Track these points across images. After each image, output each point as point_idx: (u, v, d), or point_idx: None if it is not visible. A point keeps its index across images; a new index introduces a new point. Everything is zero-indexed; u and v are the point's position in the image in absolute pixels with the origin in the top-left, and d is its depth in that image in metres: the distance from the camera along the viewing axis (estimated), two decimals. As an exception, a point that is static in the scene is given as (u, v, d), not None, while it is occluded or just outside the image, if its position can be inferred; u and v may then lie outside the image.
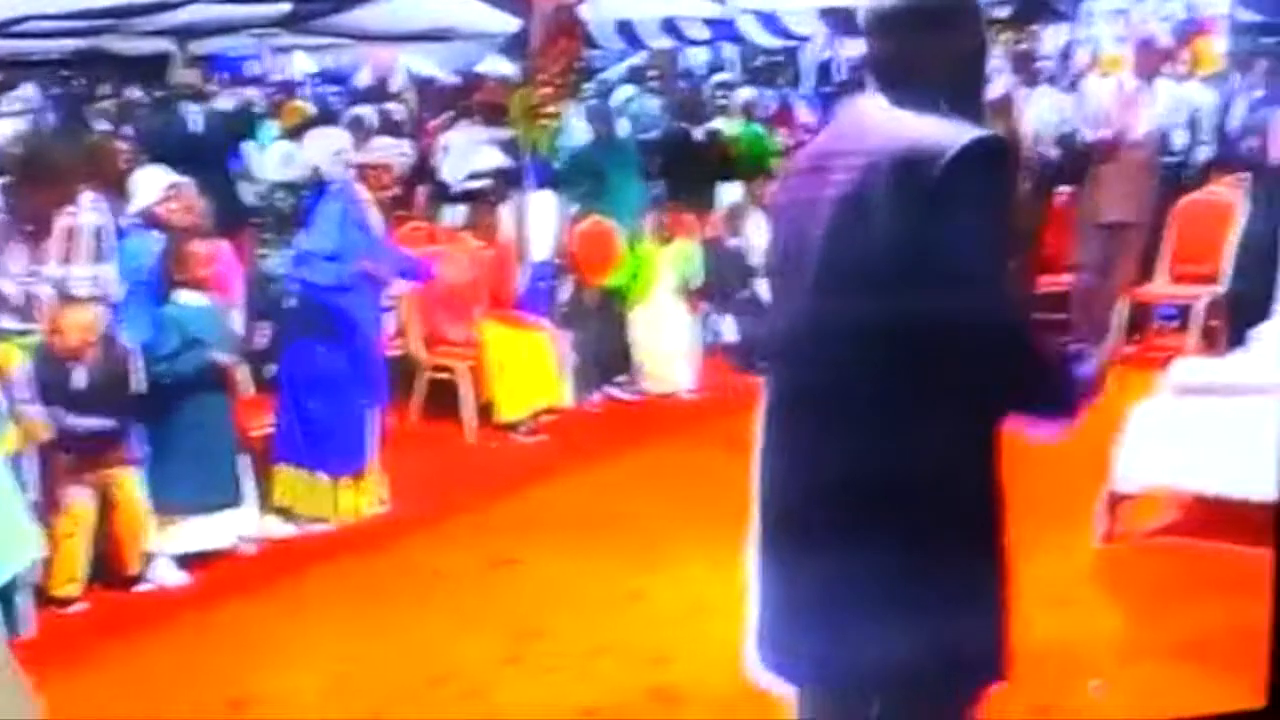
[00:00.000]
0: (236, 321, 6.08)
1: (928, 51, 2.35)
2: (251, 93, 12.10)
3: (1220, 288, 7.59)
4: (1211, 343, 7.31)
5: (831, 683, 2.49)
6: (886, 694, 2.41)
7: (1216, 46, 10.47)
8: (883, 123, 2.33)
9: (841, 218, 2.31)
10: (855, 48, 12.89)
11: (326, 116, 10.24)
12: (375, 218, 5.80)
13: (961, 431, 2.30)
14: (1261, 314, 5.54)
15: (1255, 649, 4.24)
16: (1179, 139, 8.18)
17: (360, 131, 8.23)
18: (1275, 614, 1.38)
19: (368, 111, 10.25)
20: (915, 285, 2.21)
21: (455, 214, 8.40)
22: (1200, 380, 5.21)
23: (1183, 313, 7.95)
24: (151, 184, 5.79)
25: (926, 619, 2.29)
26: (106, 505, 4.94)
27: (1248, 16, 10.49)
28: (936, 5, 2.38)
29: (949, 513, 2.31)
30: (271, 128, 10.25)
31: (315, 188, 6.21)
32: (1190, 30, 10.17)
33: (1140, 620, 4.59)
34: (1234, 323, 6.49)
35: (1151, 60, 8.01)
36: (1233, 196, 7.86)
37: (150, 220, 5.64)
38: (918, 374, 2.25)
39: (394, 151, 6.06)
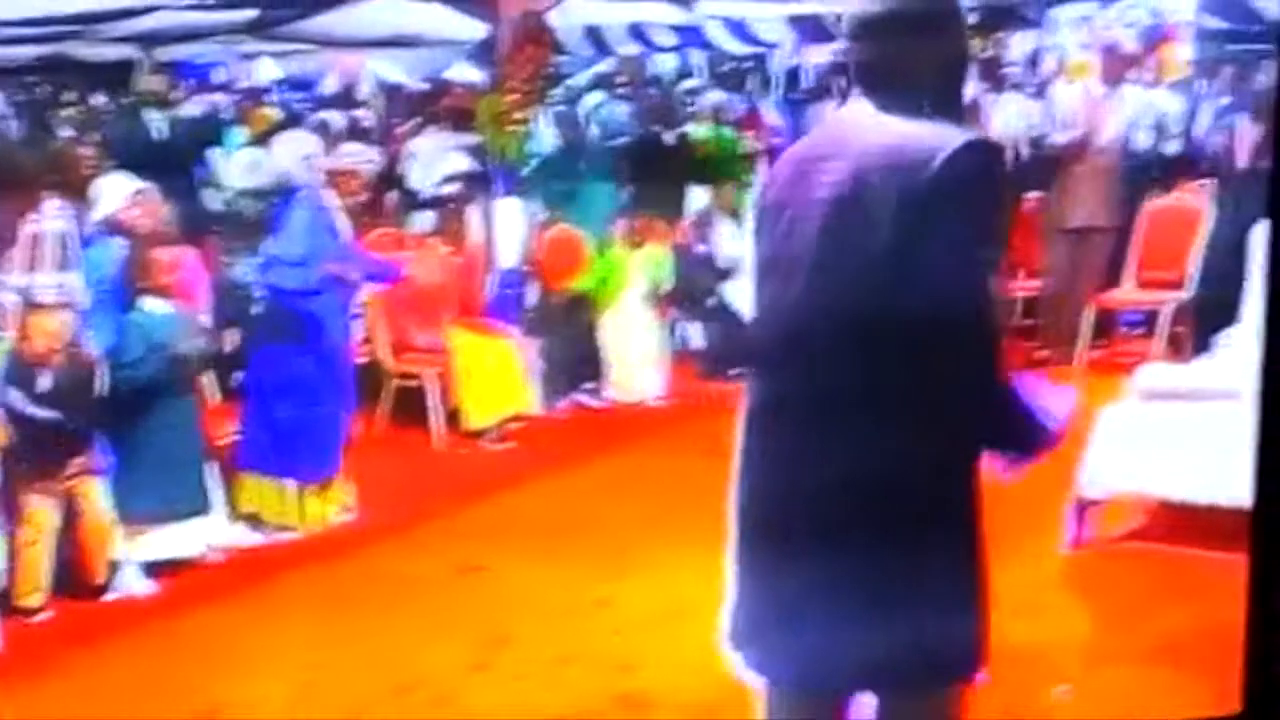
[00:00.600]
0: (202, 329, 6.03)
1: (913, 56, 2.39)
2: (218, 99, 12.05)
3: (1186, 293, 7.63)
4: (1177, 348, 7.34)
5: (812, 682, 2.51)
6: (871, 690, 2.46)
7: (1182, 53, 10.54)
8: (872, 127, 2.36)
9: (834, 220, 2.34)
10: (822, 54, 12.95)
11: (293, 122, 10.20)
12: (343, 223, 5.77)
13: (944, 432, 2.35)
14: (1228, 319, 5.56)
15: (1224, 654, 4.25)
16: (1145, 145, 8.21)
17: (328, 136, 8.19)
18: (1250, 619, 1.39)
19: (335, 117, 10.22)
20: (905, 289, 2.25)
21: (423, 220, 8.37)
22: (1167, 386, 5.24)
23: (1149, 318, 7.99)
24: (115, 191, 5.74)
25: (909, 617, 2.34)
26: (71, 514, 4.89)
27: (1213, 23, 10.56)
28: (921, 11, 2.44)
29: (933, 510, 2.37)
30: (238, 134, 10.20)
31: (283, 194, 6.17)
32: (1156, 37, 10.24)
33: (1108, 626, 4.61)
34: (1200, 329, 6.51)
35: (1117, 66, 8.06)
36: (1199, 202, 7.91)
37: (114, 227, 5.59)
38: (903, 377, 2.29)
39: (362, 158, 6.03)
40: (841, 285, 2.34)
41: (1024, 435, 2.43)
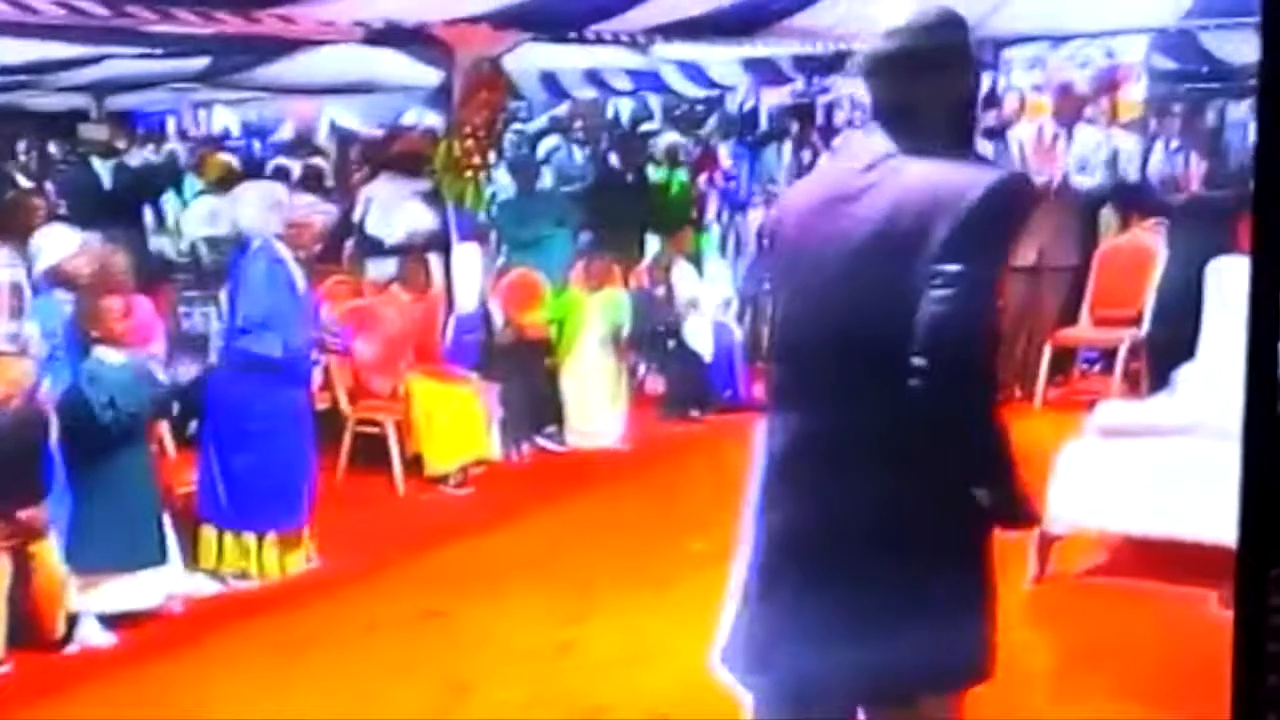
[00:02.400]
0: (158, 377, 5.96)
1: (930, 92, 2.45)
2: (174, 146, 12.01)
3: (1142, 331, 7.70)
4: (1134, 385, 7.40)
5: (830, 698, 2.56)
6: (881, 701, 2.52)
7: (1135, 93, 10.69)
8: (900, 164, 2.40)
9: (865, 256, 2.38)
10: (778, 97, 13.05)
11: (251, 170, 10.17)
12: (299, 277, 5.70)
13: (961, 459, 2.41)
14: (1184, 356, 5.61)
15: (1188, 688, 4.26)
16: (1100, 184, 8.30)
17: (289, 184, 8.15)
18: (1235, 658, 1.37)
19: (293, 165, 10.19)
20: (931, 320, 2.28)
21: (380, 268, 8.33)
22: (1125, 422, 5.27)
23: (1106, 356, 8.05)
24: (56, 242, 5.68)
25: (924, 632, 2.39)
26: (23, 569, 4.79)
27: (1164, 63, 10.73)
28: (937, 47, 2.47)
29: (950, 533, 2.44)
30: (193, 182, 10.16)
31: (239, 245, 6.09)
32: (1110, 77, 10.38)
33: (1072, 661, 4.60)
34: (1157, 365, 6.57)
35: (1071, 106, 8.15)
36: (1153, 241, 8.00)
37: (57, 278, 5.52)
38: (923, 407, 2.32)
39: (315, 210, 5.91)
40: (872, 320, 2.37)
41: (1015, 503, 2.48)
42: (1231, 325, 5.35)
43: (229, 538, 5.55)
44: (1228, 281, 5.58)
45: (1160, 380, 5.90)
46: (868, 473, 2.41)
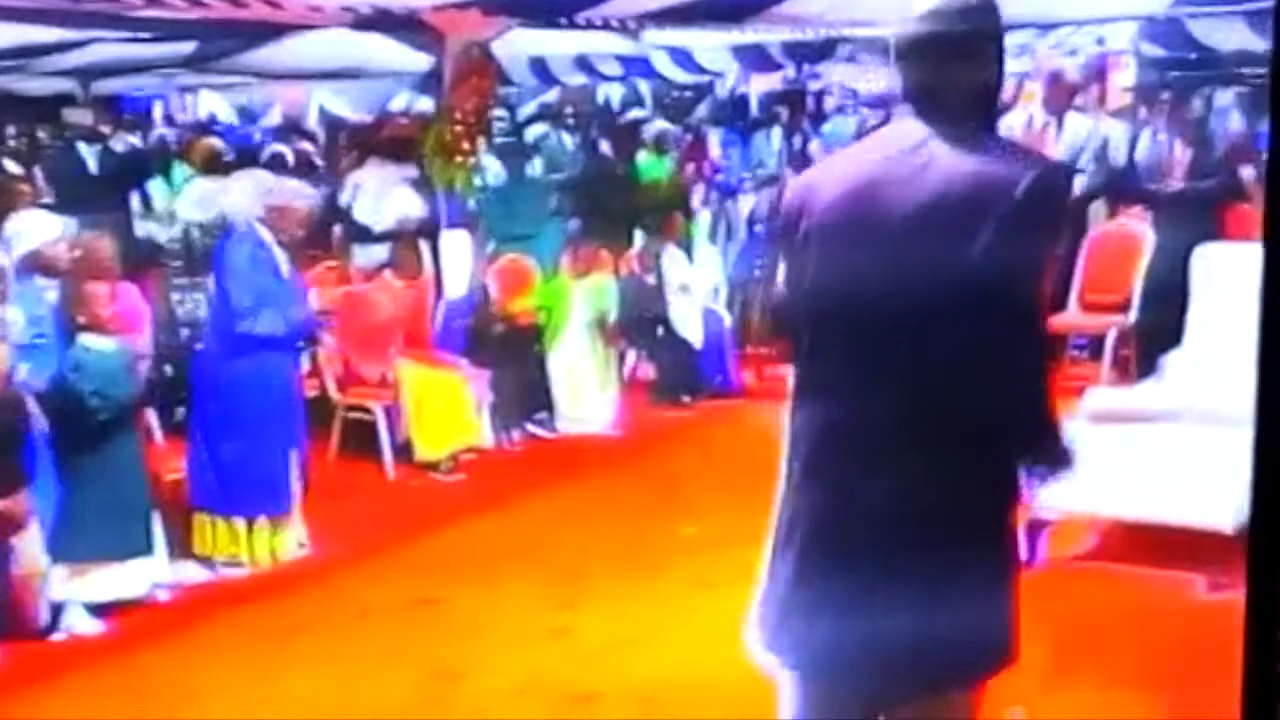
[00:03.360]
0: (145, 363, 5.93)
1: (964, 77, 2.48)
2: (162, 131, 11.95)
3: (1131, 317, 7.71)
4: (1123, 371, 7.42)
5: (862, 682, 2.58)
6: (911, 683, 2.53)
7: (1123, 80, 10.68)
8: (939, 149, 2.41)
9: (913, 242, 2.39)
10: (767, 83, 13.05)
11: (242, 155, 10.12)
12: (283, 261, 5.67)
13: (994, 450, 2.47)
14: (1172, 342, 5.62)
15: (1178, 672, 4.28)
16: (1089, 171, 8.31)
17: (280, 170, 8.11)
18: (1248, 643, 1.36)
19: (283, 150, 10.15)
20: (980, 304, 2.33)
21: (368, 254, 8.31)
22: (1114, 408, 5.28)
23: (1094, 342, 8.06)
24: (36, 228, 5.64)
25: (953, 616, 2.43)
26: (3, 559, 4.77)
27: (1153, 51, 10.73)
28: (972, 31, 2.49)
29: (980, 516, 2.49)
30: (180, 168, 10.12)
31: (223, 230, 6.05)
32: (1099, 65, 10.37)
33: (1061, 645, 4.61)
34: (1145, 351, 6.58)
35: (1061, 94, 8.15)
36: (1141, 228, 8.01)
37: (37, 264, 5.49)
38: (966, 390, 2.38)
39: (297, 195, 5.86)
40: (919, 303, 2.38)
41: (1054, 451, 2.54)
42: (1218, 311, 5.41)
43: (220, 523, 5.54)
44: (1214, 268, 5.60)
45: (1148, 366, 5.91)
46: (905, 453, 2.43)
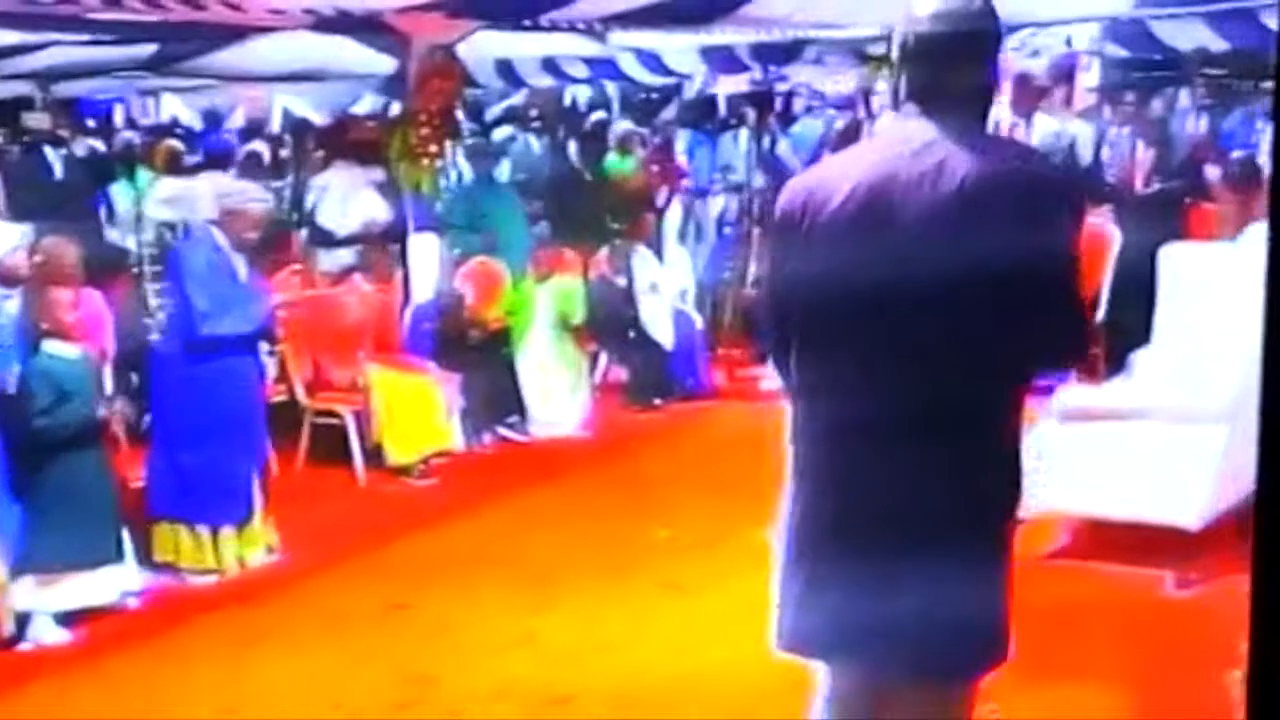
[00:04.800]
0: (107, 371, 5.87)
1: (969, 78, 2.57)
2: (127, 135, 11.83)
3: (1099, 316, 7.75)
4: (1092, 370, 7.45)
5: (878, 661, 2.65)
6: (915, 674, 2.62)
7: (1088, 81, 10.76)
8: (948, 150, 2.47)
9: (930, 238, 2.45)
10: (735, 85, 13.05)
11: (211, 159, 10.04)
12: (240, 265, 5.61)
13: (1004, 436, 2.58)
14: (1140, 340, 5.65)
15: (1147, 668, 4.31)
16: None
17: (246, 173, 8.03)
18: (1254, 638, 1.35)
19: (251, 150, 10.06)
20: (1028, 281, 2.41)
21: (333, 258, 8.26)
22: (1083, 406, 5.30)
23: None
24: None
25: (960, 607, 2.51)
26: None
27: (1117, 52, 10.81)
28: (975, 33, 2.59)
29: (981, 515, 2.57)
30: (143, 173, 10.01)
31: (181, 234, 5.98)
32: (1065, 66, 10.43)
33: (1032, 643, 4.62)
34: (1113, 350, 6.61)
35: (1029, 96, 8.17)
36: (1108, 227, 8.05)
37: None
38: (982, 382, 2.50)
39: (250, 198, 5.78)
40: (942, 297, 2.44)
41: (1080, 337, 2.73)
42: (1186, 310, 5.44)
43: (184, 531, 5.48)
44: (1181, 267, 5.64)
45: (1117, 365, 5.95)
46: (916, 449, 2.50)
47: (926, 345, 2.47)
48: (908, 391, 2.49)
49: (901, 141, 2.55)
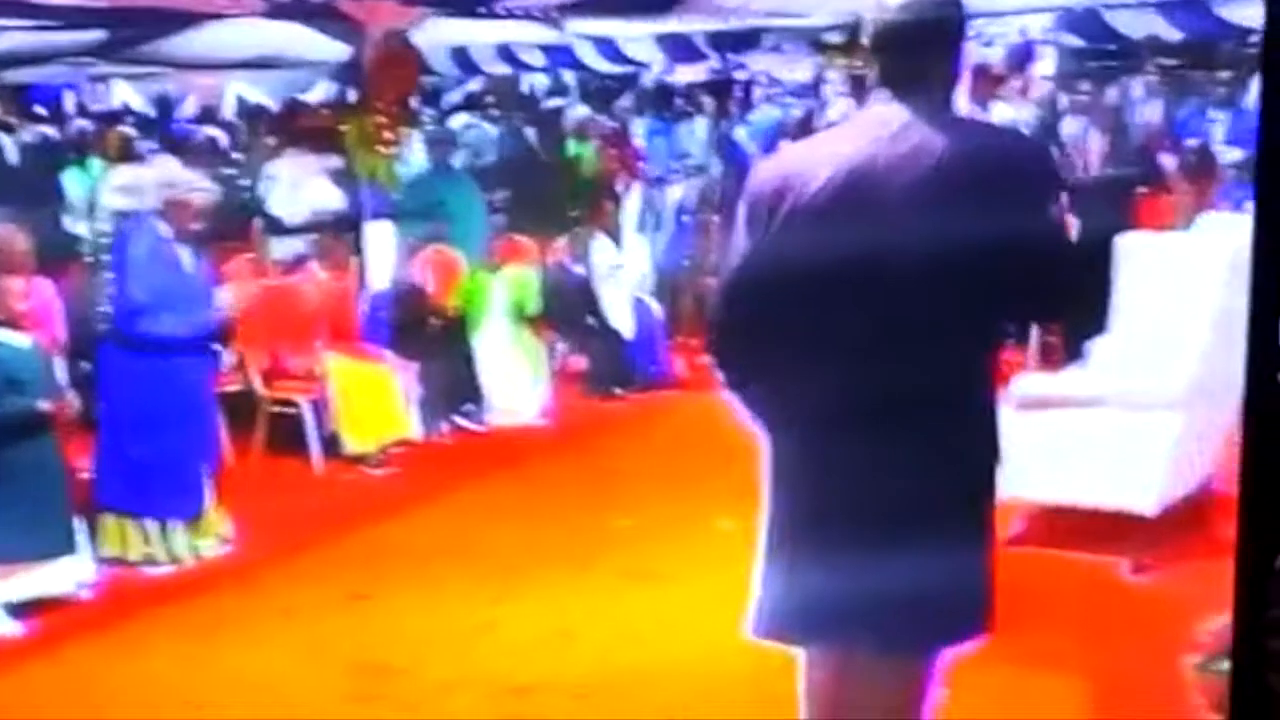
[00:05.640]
0: (58, 361, 5.78)
1: (938, 63, 2.66)
2: (81, 124, 11.69)
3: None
4: (1049, 358, 7.50)
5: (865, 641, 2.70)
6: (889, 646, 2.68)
7: (1043, 69, 10.83)
8: (924, 132, 2.54)
9: (915, 218, 2.50)
10: (692, 73, 13.05)
11: (163, 146, 9.94)
12: (185, 255, 5.53)
13: (986, 407, 2.67)
14: (1097, 329, 5.69)
15: (1104, 653, 4.34)
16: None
17: (213, 158, 7.94)
18: (1238, 625, 1.36)
19: (220, 136, 9.96)
20: (1027, 257, 2.51)
21: (285, 246, 8.18)
22: (1041, 394, 5.33)
23: (1021, 330, 8.14)
24: None
25: (938, 581, 2.59)
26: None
27: (1072, 41, 10.88)
28: (943, 19, 2.69)
29: (965, 492, 2.65)
30: (96, 160, 9.89)
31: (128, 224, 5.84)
32: (1021, 55, 10.50)
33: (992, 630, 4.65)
34: (1070, 339, 6.65)
35: (987, 84, 8.22)
36: (1067, 215, 8.09)
37: None
38: (969, 353, 2.61)
39: (193, 188, 5.69)
40: (928, 274, 2.50)
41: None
42: (1142, 299, 5.48)
43: (130, 524, 5.41)
44: (1137, 257, 5.68)
45: (1075, 353, 5.99)
46: (897, 430, 2.55)
47: (912, 321, 2.53)
48: (892, 367, 2.54)
49: (878, 125, 2.60)
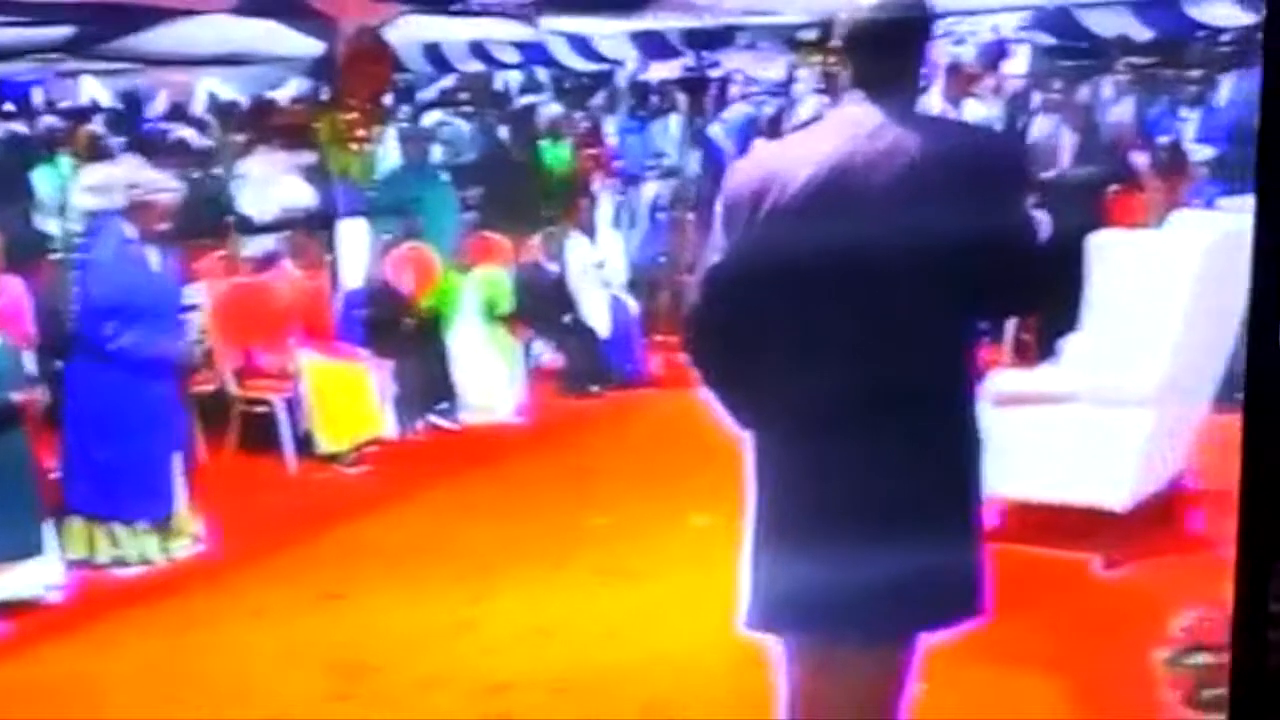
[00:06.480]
0: (28, 359, 5.74)
1: (907, 63, 2.71)
2: (50, 120, 11.59)
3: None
4: (1023, 355, 7.53)
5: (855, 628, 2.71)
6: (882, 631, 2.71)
7: (1016, 68, 10.89)
8: (900, 132, 2.57)
9: (895, 215, 2.52)
10: (666, 70, 13.04)
11: (133, 144, 9.86)
12: (153, 255, 5.49)
13: (964, 412, 2.70)
14: (1069, 326, 5.72)
15: (1076, 648, 4.37)
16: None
17: (170, 157, 7.88)
18: (1238, 618, 1.38)
19: (192, 135, 9.90)
20: (1003, 251, 2.56)
21: (257, 243, 8.14)
22: (1015, 391, 5.36)
23: (995, 327, 8.18)
24: None
25: (929, 570, 2.61)
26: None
27: (1044, 39, 10.94)
28: (912, 19, 2.73)
29: (951, 488, 2.69)
30: (65, 158, 9.82)
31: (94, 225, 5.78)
32: (992, 53, 10.55)
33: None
34: (1044, 335, 6.69)
35: (960, 82, 8.24)
36: (1039, 212, 8.12)
37: None
38: (951, 351, 2.64)
39: (158, 187, 5.64)
40: (908, 271, 2.53)
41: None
42: (1114, 297, 5.51)
43: (98, 528, 5.37)
44: (1110, 255, 5.71)
45: (1048, 350, 6.02)
46: (880, 422, 2.56)
47: (890, 316, 2.56)
48: (871, 362, 2.57)
49: (853, 125, 2.62)
